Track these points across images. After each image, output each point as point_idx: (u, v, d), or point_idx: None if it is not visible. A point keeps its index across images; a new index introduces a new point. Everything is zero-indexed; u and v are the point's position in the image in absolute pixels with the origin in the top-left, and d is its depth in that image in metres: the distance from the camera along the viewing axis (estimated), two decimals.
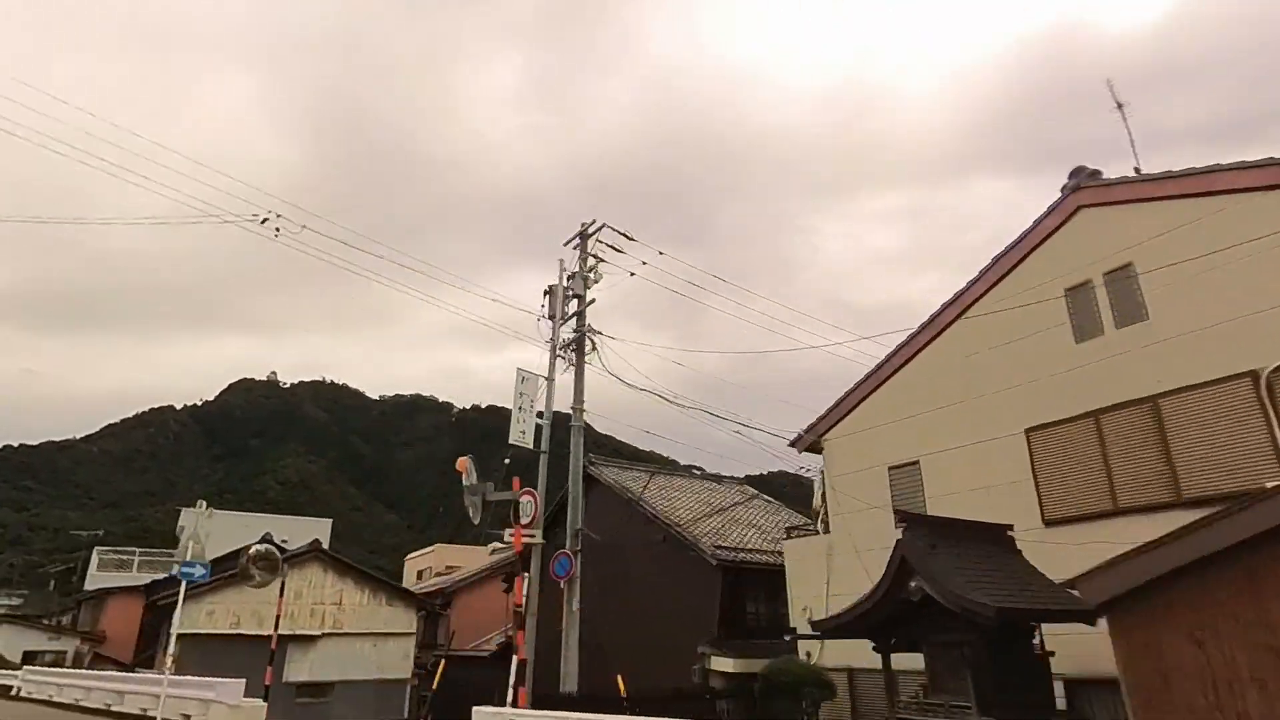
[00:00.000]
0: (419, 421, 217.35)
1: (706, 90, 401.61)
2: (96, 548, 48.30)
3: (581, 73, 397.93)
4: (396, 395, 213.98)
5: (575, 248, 19.46)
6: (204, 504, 56.30)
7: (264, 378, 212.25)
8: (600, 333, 18.78)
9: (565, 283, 18.85)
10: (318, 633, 28.84)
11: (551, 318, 18.83)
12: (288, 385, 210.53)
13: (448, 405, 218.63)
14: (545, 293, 18.92)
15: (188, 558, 17.79)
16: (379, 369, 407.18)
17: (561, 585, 17.15)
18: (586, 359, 18.85)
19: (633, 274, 19.90)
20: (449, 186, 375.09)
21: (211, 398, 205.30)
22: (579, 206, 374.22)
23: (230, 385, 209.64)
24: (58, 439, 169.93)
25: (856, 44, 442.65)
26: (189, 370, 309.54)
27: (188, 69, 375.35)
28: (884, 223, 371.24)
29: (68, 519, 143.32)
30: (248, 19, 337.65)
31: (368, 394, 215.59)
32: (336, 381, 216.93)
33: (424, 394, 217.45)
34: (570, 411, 18.20)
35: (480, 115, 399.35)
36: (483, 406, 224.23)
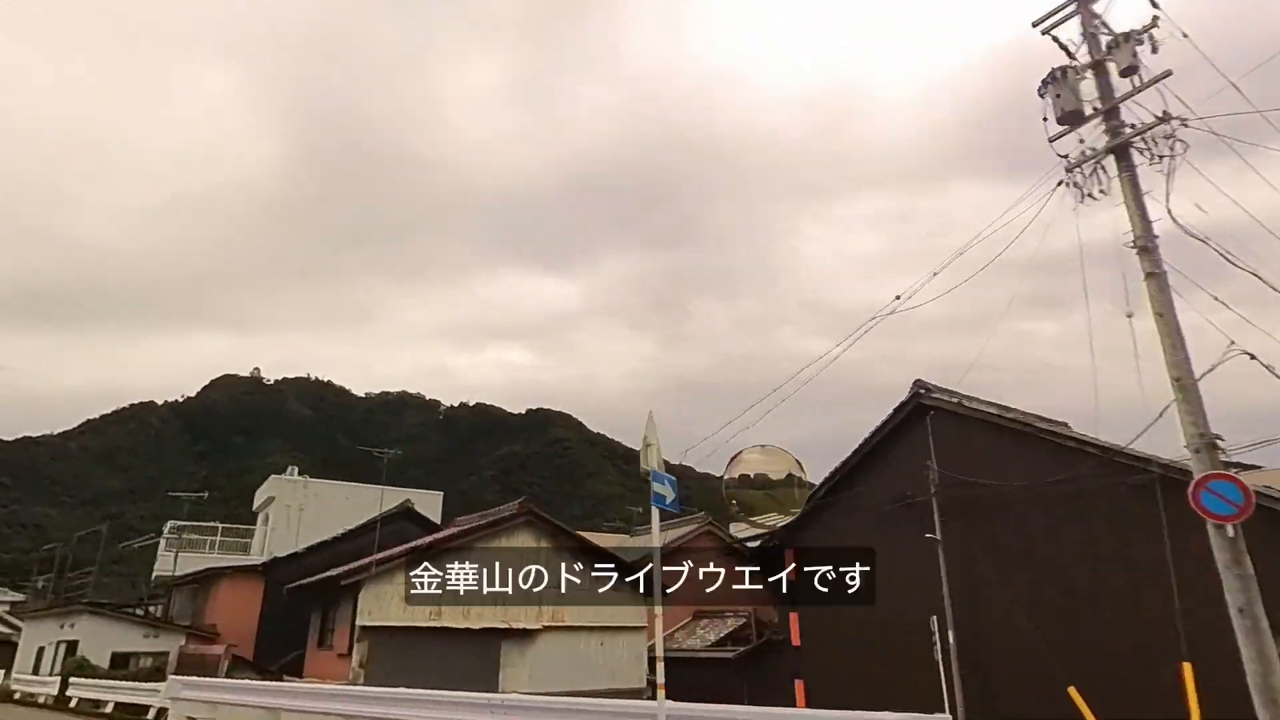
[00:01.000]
0: (406, 419, 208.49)
1: (690, 92, 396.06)
2: (170, 522, 39.55)
3: (566, 73, 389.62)
4: (383, 392, 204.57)
5: (1053, 27, 11.98)
6: (295, 469, 47.54)
7: (247, 374, 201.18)
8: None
9: (1073, 61, 11.33)
10: (536, 626, 20.97)
11: (1067, 119, 11.38)
12: (271, 382, 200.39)
13: (435, 403, 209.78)
14: (1045, 83, 11.44)
15: (654, 465, 9.68)
16: (360, 367, 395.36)
17: (1227, 532, 9.54)
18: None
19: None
20: (431, 185, 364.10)
21: (193, 394, 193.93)
22: (563, 205, 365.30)
23: (213, 381, 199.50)
24: (34, 435, 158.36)
25: (841, 47, 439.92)
26: (168, 367, 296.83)
27: (168, 62, 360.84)
28: (865, 226, 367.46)
29: (48, 516, 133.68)
30: (228, 12, 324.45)
31: (353, 391, 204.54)
32: (321, 378, 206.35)
33: (410, 391, 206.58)
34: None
35: (462, 115, 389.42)
36: (470, 404, 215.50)
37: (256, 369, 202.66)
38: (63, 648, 25.81)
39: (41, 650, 27.76)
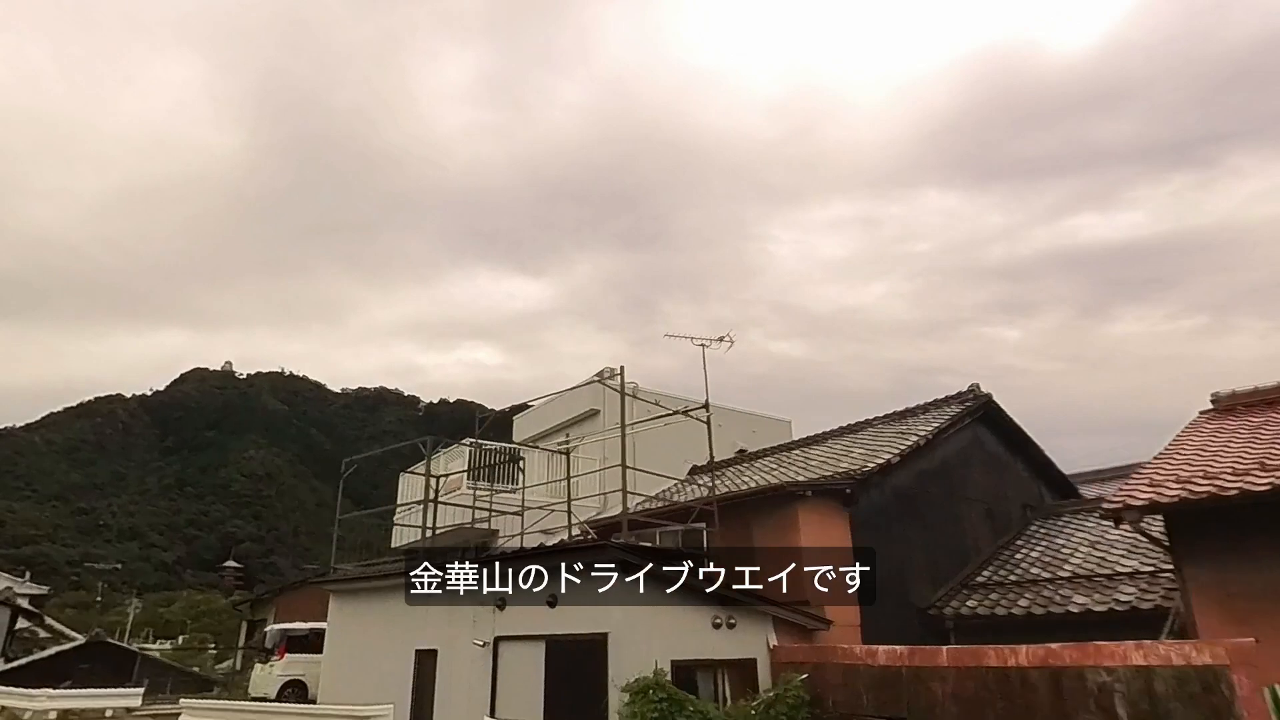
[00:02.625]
0: (384, 415, 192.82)
1: (663, 93, 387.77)
2: (438, 445, 24.91)
3: (536, 70, 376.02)
4: (360, 388, 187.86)
5: None
6: (623, 366, 32.76)
7: (217, 368, 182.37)
8: None
9: None
10: None
11: None
12: (244, 376, 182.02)
13: (414, 399, 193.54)
14: None
15: None
16: (326, 365, 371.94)
17: None
18: None
19: None
20: (400, 181, 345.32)
21: (162, 387, 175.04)
22: (533, 204, 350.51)
23: (182, 375, 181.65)
24: None
25: (811, 54, 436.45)
26: (130, 362, 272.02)
27: (127, 48, 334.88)
28: (835, 230, 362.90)
29: (11, 511, 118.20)
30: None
31: (328, 386, 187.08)
32: (296, 373, 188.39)
33: (388, 387, 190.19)
34: None
35: (433, 110, 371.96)
36: (451, 400, 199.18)
37: (228, 363, 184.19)
38: (538, 653, 11.38)
39: (424, 658, 12.95)
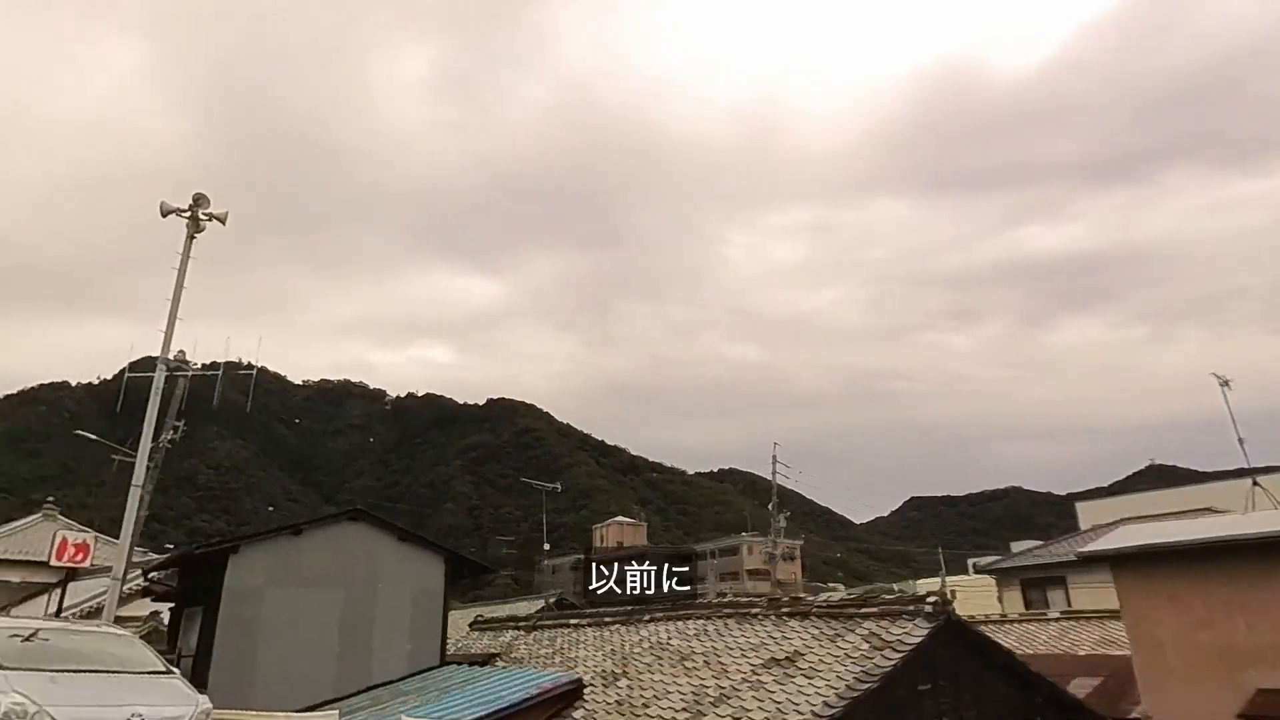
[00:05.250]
0: (350, 409, 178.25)
1: (624, 95, 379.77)
2: None
3: (496, 69, 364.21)
4: (323, 380, 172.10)
5: None
6: None
7: (170, 356, 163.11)
8: None
9: None
10: None
11: None
12: (199, 366, 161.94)
13: (380, 392, 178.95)
14: None
15: None
16: (276, 360, 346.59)
17: None
18: None
19: None
20: (355, 176, 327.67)
21: (110, 376, 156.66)
22: (491, 203, 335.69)
23: (132, 364, 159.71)
24: None
25: (769, 61, 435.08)
26: (73, 352, 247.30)
27: (69, 29, 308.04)
28: (790, 236, 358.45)
29: None
30: None
31: (290, 378, 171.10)
32: (255, 363, 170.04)
33: (354, 380, 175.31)
34: None
35: (390, 105, 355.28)
36: (419, 394, 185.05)
37: (181, 352, 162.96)
38: None
39: None
